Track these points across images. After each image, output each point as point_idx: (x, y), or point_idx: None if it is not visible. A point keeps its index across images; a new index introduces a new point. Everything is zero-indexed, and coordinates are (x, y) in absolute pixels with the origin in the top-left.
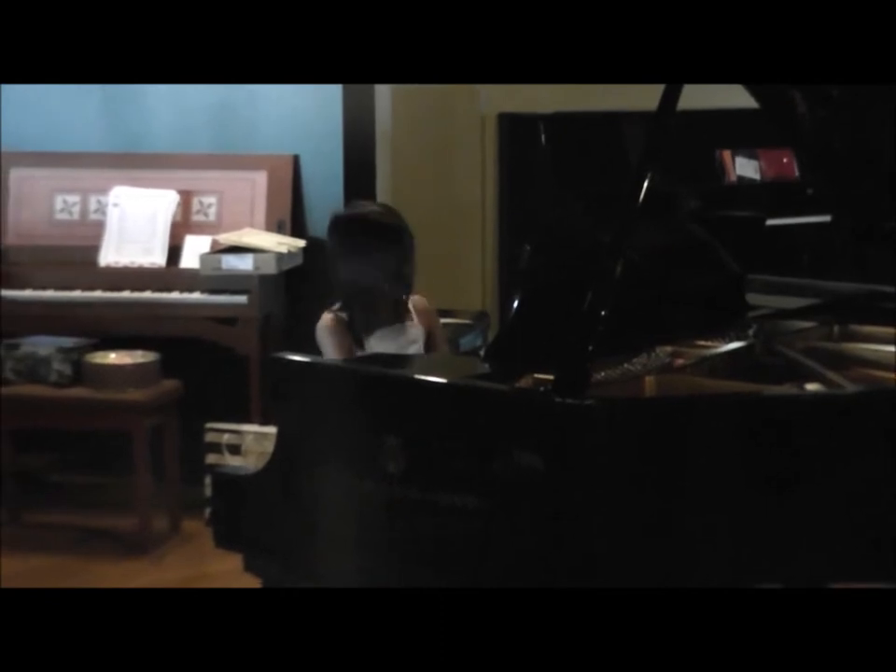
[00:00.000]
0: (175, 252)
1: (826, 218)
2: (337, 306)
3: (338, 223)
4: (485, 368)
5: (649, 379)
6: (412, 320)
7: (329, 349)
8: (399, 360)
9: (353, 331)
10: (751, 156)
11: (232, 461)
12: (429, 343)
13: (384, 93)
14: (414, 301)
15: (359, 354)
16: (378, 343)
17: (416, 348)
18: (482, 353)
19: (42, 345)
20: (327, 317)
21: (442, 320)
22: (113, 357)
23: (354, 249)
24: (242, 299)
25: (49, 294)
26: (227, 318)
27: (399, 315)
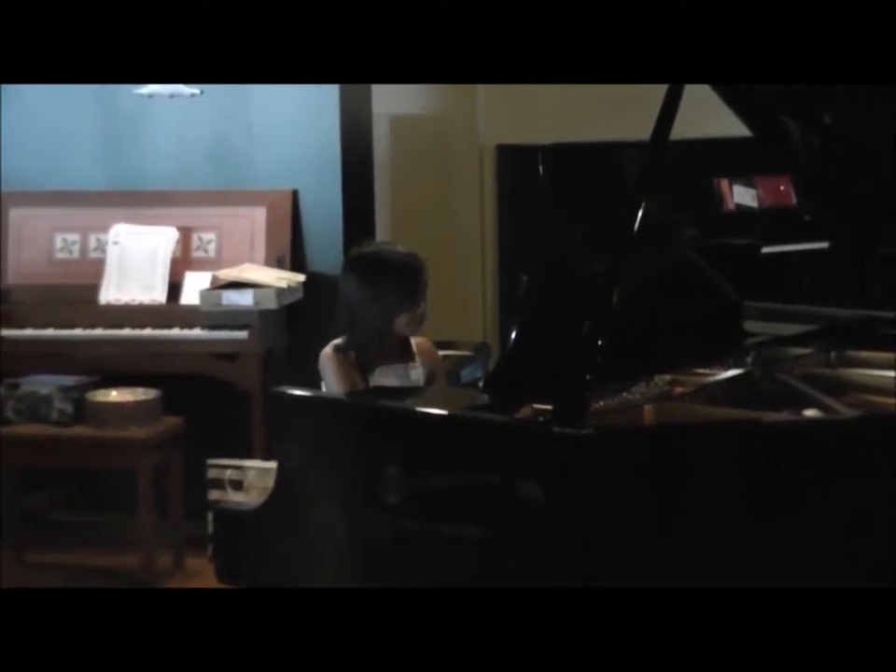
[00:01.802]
0: (175, 289)
1: (824, 245)
2: (342, 340)
3: (354, 259)
4: (485, 399)
5: (647, 407)
6: (414, 360)
7: (331, 379)
8: (399, 392)
9: (360, 367)
10: (749, 184)
11: (235, 497)
12: (429, 383)
13: (381, 126)
14: (418, 342)
15: (362, 386)
16: (381, 381)
17: None
18: (482, 384)
19: (43, 384)
20: (330, 348)
21: (443, 352)
22: (114, 395)
23: (367, 285)
24: (242, 334)
25: (50, 333)
26: (228, 354)
27: (403, 355)
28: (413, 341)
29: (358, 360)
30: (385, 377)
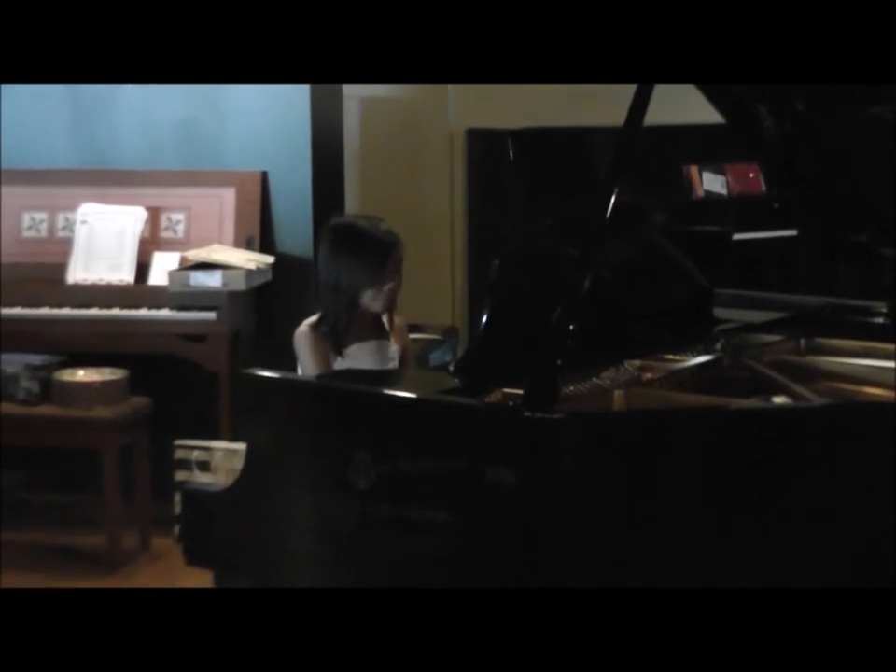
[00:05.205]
0: (143, 269)
1: (793, 233)
2: (317, 317)
3: (331, 230)
4: (455, 383)
5: (617, 393)
6: (388, 338)
7: (306, 357)
8: (369, 375)
9: (332, 342)
10: (718, 171)
11: (202, 478)
12: (400, 362)
13: (352, 109)
14: (394, 321)
15: (336, 365)
16: (357, 357)
17: (393, 366)
18: (451, 368)
19: (10, 363)
20: (305, 326)
21: (412, 335)
22: (81, 375)
23: (342, 257)
24: (211, 315)
25: (17, 311)
26: (196, 335)
27: (379, 332)
28: (388, 318)
29: (332, 337)
30: (359, 354)
